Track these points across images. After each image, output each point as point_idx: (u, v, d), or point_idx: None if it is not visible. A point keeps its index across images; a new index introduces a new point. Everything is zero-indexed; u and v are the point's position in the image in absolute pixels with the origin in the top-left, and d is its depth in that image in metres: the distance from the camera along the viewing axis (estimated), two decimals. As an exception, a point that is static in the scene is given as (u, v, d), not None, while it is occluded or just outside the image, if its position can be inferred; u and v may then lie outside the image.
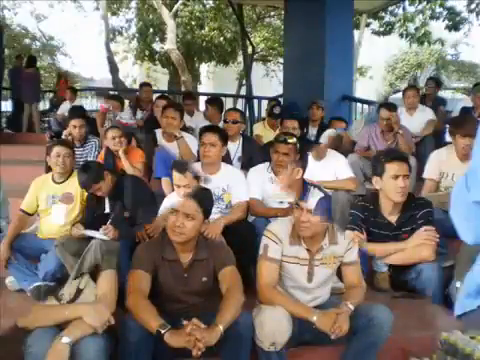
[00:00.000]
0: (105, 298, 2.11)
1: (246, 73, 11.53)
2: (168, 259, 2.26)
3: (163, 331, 1.93)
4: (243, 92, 14.02)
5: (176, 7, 12.95)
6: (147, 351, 2.01)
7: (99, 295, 2.14)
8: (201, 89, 17.08)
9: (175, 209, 2.24)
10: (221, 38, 14.07)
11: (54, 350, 1.86)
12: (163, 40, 14.12)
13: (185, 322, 1.97)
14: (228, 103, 6.51)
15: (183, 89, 12.38)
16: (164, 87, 15.49)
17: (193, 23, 13.90)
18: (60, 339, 1.89)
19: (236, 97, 6.02)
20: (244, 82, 14.72)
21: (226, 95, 8.07)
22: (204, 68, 18.53)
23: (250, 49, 13.17)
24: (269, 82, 15.58)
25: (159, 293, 2.25)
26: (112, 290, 2.16)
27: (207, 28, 14.11)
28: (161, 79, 17.70)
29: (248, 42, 12.16)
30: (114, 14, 15.21)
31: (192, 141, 4.00)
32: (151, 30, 14.48)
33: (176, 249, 2.26)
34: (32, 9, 22.28)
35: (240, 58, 14.39)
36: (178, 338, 1.91)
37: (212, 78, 19.60)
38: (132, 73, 20.60)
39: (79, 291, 2.15)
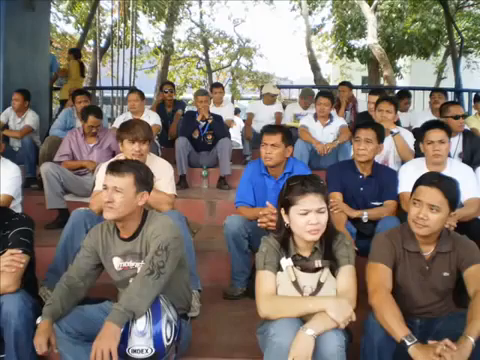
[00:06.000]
0: (347, 293, 2.05)
1: (454, 64, 11.19)
2: (409, 250, 2.19)
3: (409, 343, 1.86)
4: (441, 85, 13.90)
5: (376, 1, 12.40)
6: (389, 350, 1.95)
7: (340, 290, 2.07)
8: (399, 83, 15.67)
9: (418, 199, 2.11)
10: (424, 29, 13.39)
11: (300, 341, 1.84)
12: (361, 36, 14.02)
13: (432, 342, 1.87)
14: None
15: (386, 84, 11.74)
16: (358, 83, 15.61)
17: (394, 16, 13.40)
18: (304, 331, 1.85)
19: (443, 91, 5.71)
20: (443, 75, 14.96)
21: (427, 88, 7.64)
22: (400, 62, 17.15)
23: (458, 38, 12.39)
24: (471, 74, 14.87)
25: (395, 289, 2.15)
26: (353, 286, 2.09)
27: (409, 19, 13.74)
28: (354, 76, 18.00)
29: (455, 30, 11.65)
30: (309, 13, 15.50)
31: None
32: (349, 26, 14.10)
33: (418, 241, 2.19)
34: (229, 14, 23.34)
35: (439, 51, 14.26)
36: (425, 356, 1.81)
37: (409, 72, 18.89)
38: (326, 71, 20.88)
39: (320, 284, 2.09)
